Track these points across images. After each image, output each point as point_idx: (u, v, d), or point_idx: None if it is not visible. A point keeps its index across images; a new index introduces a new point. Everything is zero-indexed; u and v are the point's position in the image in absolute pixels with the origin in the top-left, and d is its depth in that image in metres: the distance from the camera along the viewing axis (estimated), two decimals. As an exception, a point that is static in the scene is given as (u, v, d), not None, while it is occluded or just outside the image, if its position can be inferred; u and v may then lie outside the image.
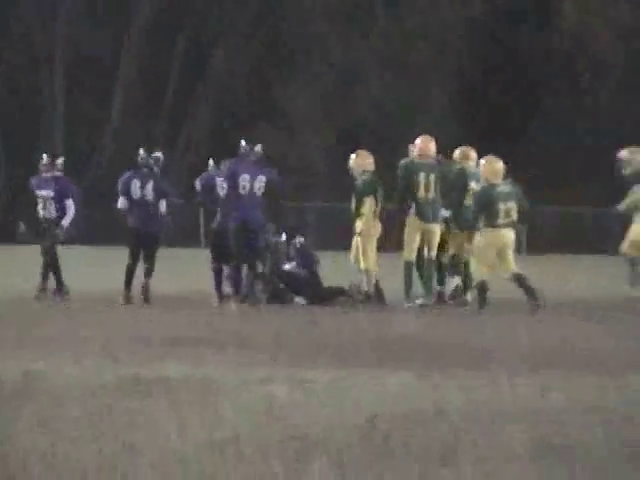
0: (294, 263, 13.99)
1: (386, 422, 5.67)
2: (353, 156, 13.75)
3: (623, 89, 39.17)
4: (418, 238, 13.33)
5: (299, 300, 13.66)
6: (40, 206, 14.02)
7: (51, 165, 14.22)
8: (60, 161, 14.47)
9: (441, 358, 8.87)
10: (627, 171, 14.18)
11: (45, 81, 41.16)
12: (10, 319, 12.13)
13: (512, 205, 12.75)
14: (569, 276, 19.16)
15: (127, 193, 13.79)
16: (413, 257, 13.44)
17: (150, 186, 13.66)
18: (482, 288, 12.81)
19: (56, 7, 41.12)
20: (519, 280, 12.78)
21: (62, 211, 13.97)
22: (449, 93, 39.83)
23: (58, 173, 14.25)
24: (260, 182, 13.32)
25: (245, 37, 41.30)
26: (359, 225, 13.43)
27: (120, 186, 13.92)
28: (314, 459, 4.69)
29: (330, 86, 41.14)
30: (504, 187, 12.85)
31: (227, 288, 13.83)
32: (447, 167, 13.76)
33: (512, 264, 12.88)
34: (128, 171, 14.11)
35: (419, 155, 13.51)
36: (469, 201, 13.42)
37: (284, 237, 14.08)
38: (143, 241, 13.91)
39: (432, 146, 13.62)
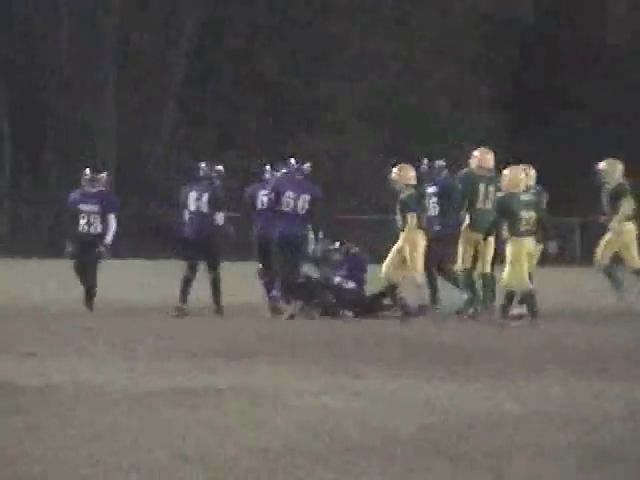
0: (343, 272, 13.81)
1: (435, 431, 5.67)
2: (395, 170, 13.55)
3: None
4: (472, 249, 13.31)
5: (347, 313, 13.48)
6: (84, 221, 13.93)
7: (94, 180, 14.20)
8: (104, 175, 14.52)
9: (492, 366, 8.83)
10: (610, 185, 13.76)
11: (95, 91, 41.83)
12: (59, 330, 12.23)
13: (533, 214, 12.71)
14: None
15: (186, 206, 13.95)
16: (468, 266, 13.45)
17: (205, 198, 13.72)
18: (531, 296, 12.68)
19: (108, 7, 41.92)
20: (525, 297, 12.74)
21: (105, 225, 13.96)
22: (495, 90, 39.25)
23: (102, 187, 14.23)
24: (304, 201, 13.44)
25: (293, 45, 41.68)
26: (405, 238, 13.21)
27: (181, 199, 14.10)
28: (367, 469, 4.69)
29: (380, 92, 40.68)
30: (525, 196, 12.79)
31: (279, 300, 13.88)
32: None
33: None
34: (188, 183, 14.32)
35: (478, 167, 13.45)
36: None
37: (337, 245, 14.01)
38: (197, 252, 13.90)
39: (490, 158, 13.54)
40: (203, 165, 14.19)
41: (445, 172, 14.15)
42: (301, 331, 12.41)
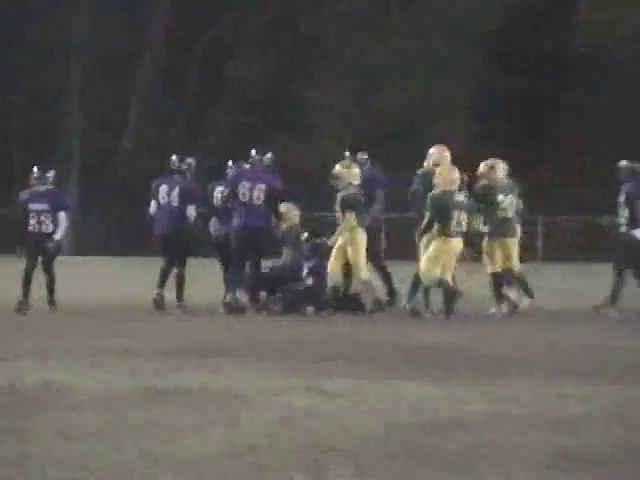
0: (309, 266, 13.71)
1: (404, 431, 5.69)
2: (339, 167, 13.32)
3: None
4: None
5: (309, 308, 13.32)
6: (34, 221, 13.75)
7: (43, 178, 14.02)
8: (51, 174, 14.25)
9: (461, 366, 8.86)
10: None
11: (61, 86, 41.46)
12: (27, 330, 12.13)
13: (464, 216, 12.79)
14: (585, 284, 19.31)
15: (156, 198, 13.90)
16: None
17: (176, 191, 13.70)
18: (454, 292, 12.82)
19: (76, 8, 41.13)
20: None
21: (56, 224, 13.77)
22: (467, 93, 39.24)
23: (50, 186, 14.07)
24: (259, 190, 13.35)
25: (262, 44, 41.59)
26: (345, 238, 13.09)
27: (152, 191, 14.07)
28: (335, 469, 4.72)
29: (349, 91, 40.75)
30: (459, 196, 12.85)
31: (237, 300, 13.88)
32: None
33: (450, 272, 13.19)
34: (160, 177, 14.37)
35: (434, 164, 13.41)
36: (501, 214, 13.39)
37: (305, 235, 13.95)
38: (170, 246, 13.91)
39: (447, 155, 13.32)
40: (174, 158, 14.11)
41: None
42: (267, 329, 12.33)
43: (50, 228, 13.88)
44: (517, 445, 5.35)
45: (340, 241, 13.35)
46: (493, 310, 13.64)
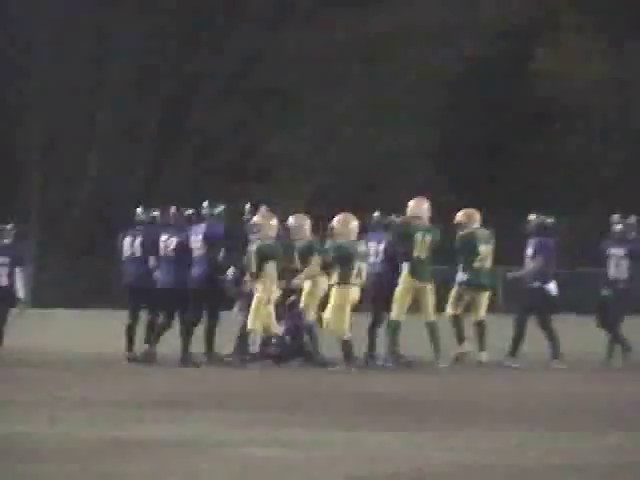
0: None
1: None
2: (257, 218, 13.25)
3: (598, 137, 39.59)
4: (410, 298, 13.47)
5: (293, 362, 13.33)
6: None
7: (2, 231, 13.90)
8: (10, 227, 14.14)
9: (418, 416, 8.84)
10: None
11: (20, 136, 41.05)
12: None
13: (363, 266, 12.86)
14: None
15: (120, 252, 13.96)
16: (402, 317, 13.39)
17: (138, 242, 13.67)
18: (350, 346, 12.76)
19: (31, 57, 40.88)
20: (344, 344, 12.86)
21: (12, 279, 13.64)
22: (428, 140, 38.71)
23: (7, 240, 13.81)
24: (196, 242, 13.14)
25: (223, 92, 41.47)
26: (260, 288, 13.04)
27: (118, 246, 14.02)
28: None
29: (310, 138, 40.33)
30: (360, 246, 13.07)
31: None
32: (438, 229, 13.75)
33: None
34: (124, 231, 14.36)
35: (413, 217, 13.47)
36: (478, 264, 13.57)
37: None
38: (136, 297, 13.83)
39: (425, 208, 13.44)
40: (139, 210, 14.10)
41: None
42: (228, 381, 12.27)
43: (4, 282, 13.72)
44: None
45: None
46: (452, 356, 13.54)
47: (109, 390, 11.10)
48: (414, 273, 13.43)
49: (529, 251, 13.70)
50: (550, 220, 13.96)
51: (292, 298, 13.77)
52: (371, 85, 41.53)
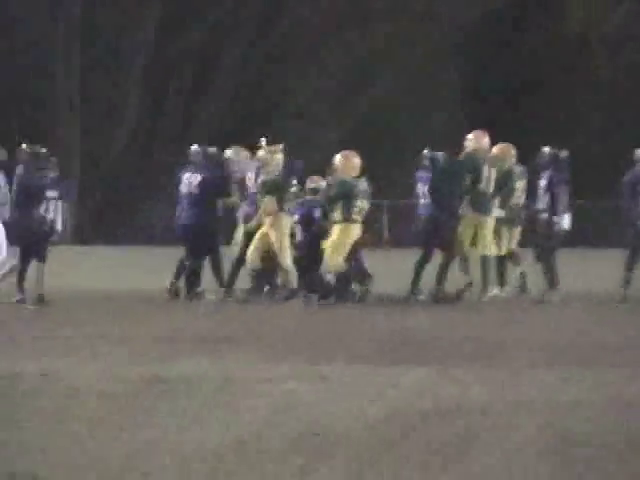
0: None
1: (405, 417, 5.73)
2: (264, 150, 13.21)
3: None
4: (472, 231, 13.62)
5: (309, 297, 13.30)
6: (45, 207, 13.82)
7: (51, 163, 13.74)
8: (54, 160, 13.94)
9: (458, 352, 8.98)
10: None
11: (59, 80, 41.50)
12: (26, 320, 12.22)
13: (366, 204, 13.10)
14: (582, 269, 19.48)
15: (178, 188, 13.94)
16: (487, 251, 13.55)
17: (197, 180, 13.37)
18: (347, 279, 13.08)
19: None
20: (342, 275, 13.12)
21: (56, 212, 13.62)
22: (455, 85, 39.09)
23: (55, 174, 13.78)
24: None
25: (252, 38, 41.67)
26: (269, 223, 13.04)
27: (175, 182, 13.93)
28: (333, 455, 4.75)
29: (338, 84, 40.56)
30: (362, 184, 13.14)
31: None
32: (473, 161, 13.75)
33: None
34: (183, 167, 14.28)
35: (476, 149, 13.33)
36: (515, 200, 13.62)
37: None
38: (188, 236, 13.73)
39: (486, 140, 13.40)
40: (194, 148, 13.92)
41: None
42: (265, 317, 12.45)
43: (52, 215, 13.58)
44: (517, 429, 5.36)
45: (263, 228, 13.27)
46: (495, 292, 13.70)
47: (150, 327, 11.24)
48: (476, 206, 13.42)
49: (542, 183, 13.57)
50: (564, 152, 13.84)
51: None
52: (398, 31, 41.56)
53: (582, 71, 39.22)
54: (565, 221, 13.63)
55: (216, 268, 13.69)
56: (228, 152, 13.91)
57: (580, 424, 5.64)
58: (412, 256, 14.62)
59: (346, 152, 13.52)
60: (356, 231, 13.05)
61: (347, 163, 13.17)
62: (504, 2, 40.10)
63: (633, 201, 13.85)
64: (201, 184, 13.38)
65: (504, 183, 13.77)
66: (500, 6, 39.58)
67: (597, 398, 6.46)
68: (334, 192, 13.11)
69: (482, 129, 14.47)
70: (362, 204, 13.01)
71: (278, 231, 13.16)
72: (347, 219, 12.87)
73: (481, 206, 13.49)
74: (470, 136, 13.76)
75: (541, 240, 13.73)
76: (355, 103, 40.36)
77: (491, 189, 13.52)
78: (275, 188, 13.26)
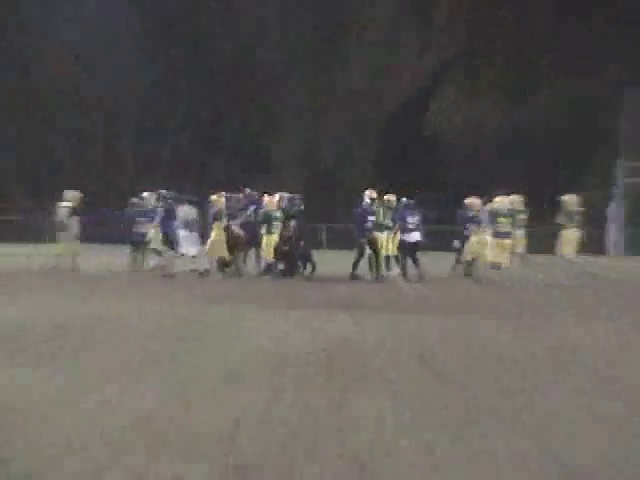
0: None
1: (335, 341, 6.98)
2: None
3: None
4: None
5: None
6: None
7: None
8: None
9: (365, 305, 10.56)
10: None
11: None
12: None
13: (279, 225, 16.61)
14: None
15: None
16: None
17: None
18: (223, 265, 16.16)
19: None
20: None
21: None
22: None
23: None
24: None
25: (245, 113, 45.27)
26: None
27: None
28: (297, 362, 5.94)
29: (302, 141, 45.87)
30: (276, 213, 16.76)
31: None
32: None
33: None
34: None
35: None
36: None
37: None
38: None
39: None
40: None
41: None
42: (254, 284, 14.58)
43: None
44: (399, 356, 6.49)
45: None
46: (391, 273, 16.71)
47: (190, 289, 12.66)
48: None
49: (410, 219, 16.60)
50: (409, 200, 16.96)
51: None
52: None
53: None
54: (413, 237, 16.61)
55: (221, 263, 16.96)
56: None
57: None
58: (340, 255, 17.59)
59: (270, 196, 16.63)
60: (274, 238, 16.43)
61: (270, 201, 16.68)
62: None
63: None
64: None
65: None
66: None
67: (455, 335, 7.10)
68: (261, 217, 16.62)
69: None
70: (277, 224, 16.48)
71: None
72: (269, 232, 16.58)
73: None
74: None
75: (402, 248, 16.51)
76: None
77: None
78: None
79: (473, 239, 16.34)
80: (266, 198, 16.89)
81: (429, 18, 44.79)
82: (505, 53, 42.86)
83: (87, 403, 4.42)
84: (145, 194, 17.84)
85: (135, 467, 3.35)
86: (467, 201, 17.26)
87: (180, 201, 16.94)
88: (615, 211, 37.61)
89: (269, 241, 16.26)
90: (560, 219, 16.67)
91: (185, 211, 16.96)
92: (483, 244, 15.99)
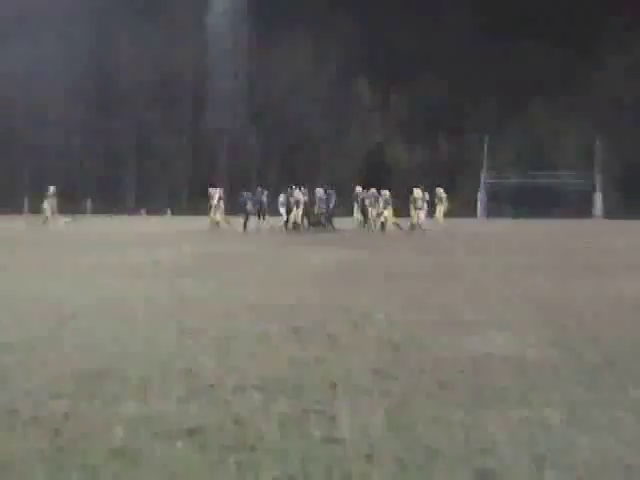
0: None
1: (337, 263, 8.72)
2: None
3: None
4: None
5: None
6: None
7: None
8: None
9: (355, 245, 12.35)
10: None
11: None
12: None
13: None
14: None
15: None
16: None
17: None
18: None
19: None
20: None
21: None
22: None
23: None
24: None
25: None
26: None
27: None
28: (314, 271, 7.14)
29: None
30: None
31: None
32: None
33: None
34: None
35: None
36: None
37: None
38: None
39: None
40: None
41: None
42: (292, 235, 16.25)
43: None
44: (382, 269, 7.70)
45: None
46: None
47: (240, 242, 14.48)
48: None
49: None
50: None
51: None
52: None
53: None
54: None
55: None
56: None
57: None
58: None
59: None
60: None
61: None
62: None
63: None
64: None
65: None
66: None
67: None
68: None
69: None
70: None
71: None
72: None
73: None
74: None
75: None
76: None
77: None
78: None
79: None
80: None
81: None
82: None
83: (224, 299, 5.50)
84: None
85: (235, 326, 4.21)
86: None
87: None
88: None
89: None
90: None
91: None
92: None
